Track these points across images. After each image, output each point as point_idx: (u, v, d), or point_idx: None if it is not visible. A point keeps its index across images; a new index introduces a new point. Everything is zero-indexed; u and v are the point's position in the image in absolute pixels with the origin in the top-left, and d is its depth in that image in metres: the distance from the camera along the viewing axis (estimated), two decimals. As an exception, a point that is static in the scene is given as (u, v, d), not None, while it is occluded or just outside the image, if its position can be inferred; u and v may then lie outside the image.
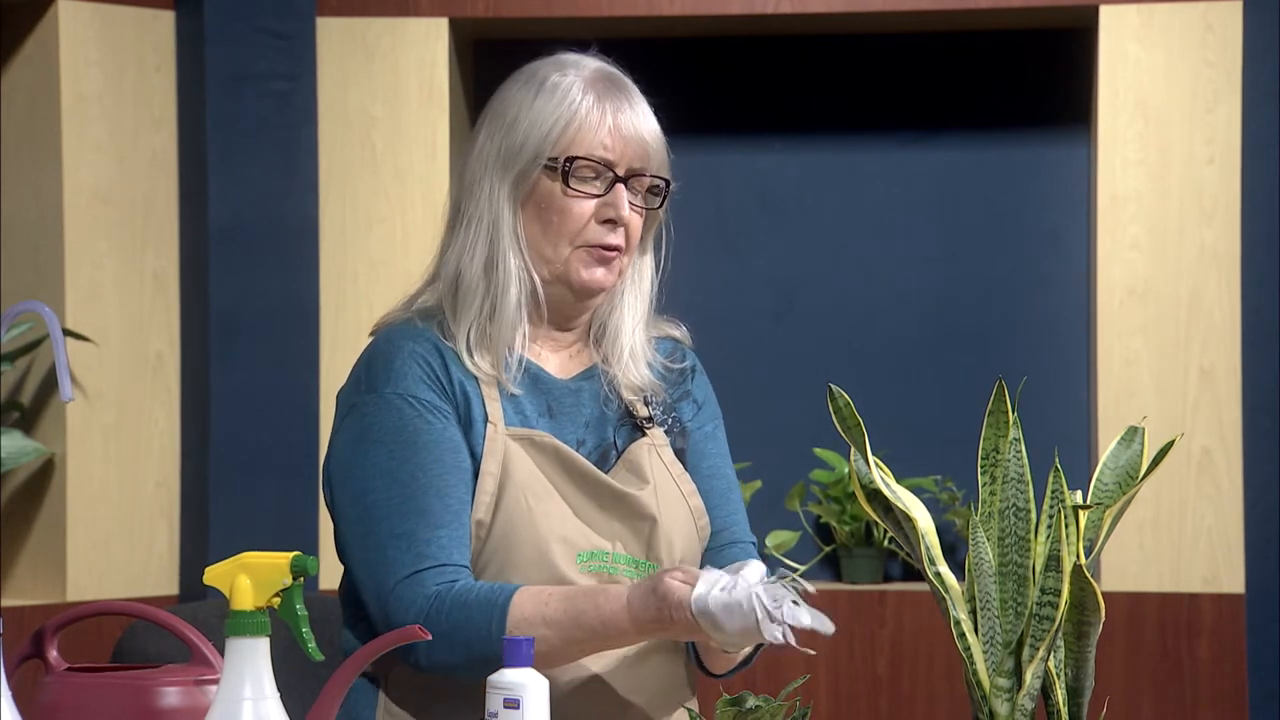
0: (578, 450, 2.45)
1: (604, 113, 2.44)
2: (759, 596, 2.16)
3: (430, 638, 1.98)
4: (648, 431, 2.49)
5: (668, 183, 2.49)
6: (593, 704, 2.40)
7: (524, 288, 2.45)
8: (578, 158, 2.43)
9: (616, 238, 2.45)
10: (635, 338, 2.52)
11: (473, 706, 2.35)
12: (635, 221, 2.47)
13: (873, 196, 4.85)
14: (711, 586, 2.20)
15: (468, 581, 2.34)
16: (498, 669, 2.21)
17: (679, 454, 2.52)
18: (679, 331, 2.60)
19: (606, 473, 2.45)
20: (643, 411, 2.51)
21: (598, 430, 2.48)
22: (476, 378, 2.43)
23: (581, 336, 2.53)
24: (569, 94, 2.44)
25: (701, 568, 2.50)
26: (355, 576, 2.40)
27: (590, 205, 2.44)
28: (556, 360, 2.50)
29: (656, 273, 2.55)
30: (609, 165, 2.44)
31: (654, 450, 2.49)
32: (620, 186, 2.44)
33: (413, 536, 2.35)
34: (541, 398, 2.46)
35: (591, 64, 2.49)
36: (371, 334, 2.52)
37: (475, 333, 2.45)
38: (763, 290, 4.84)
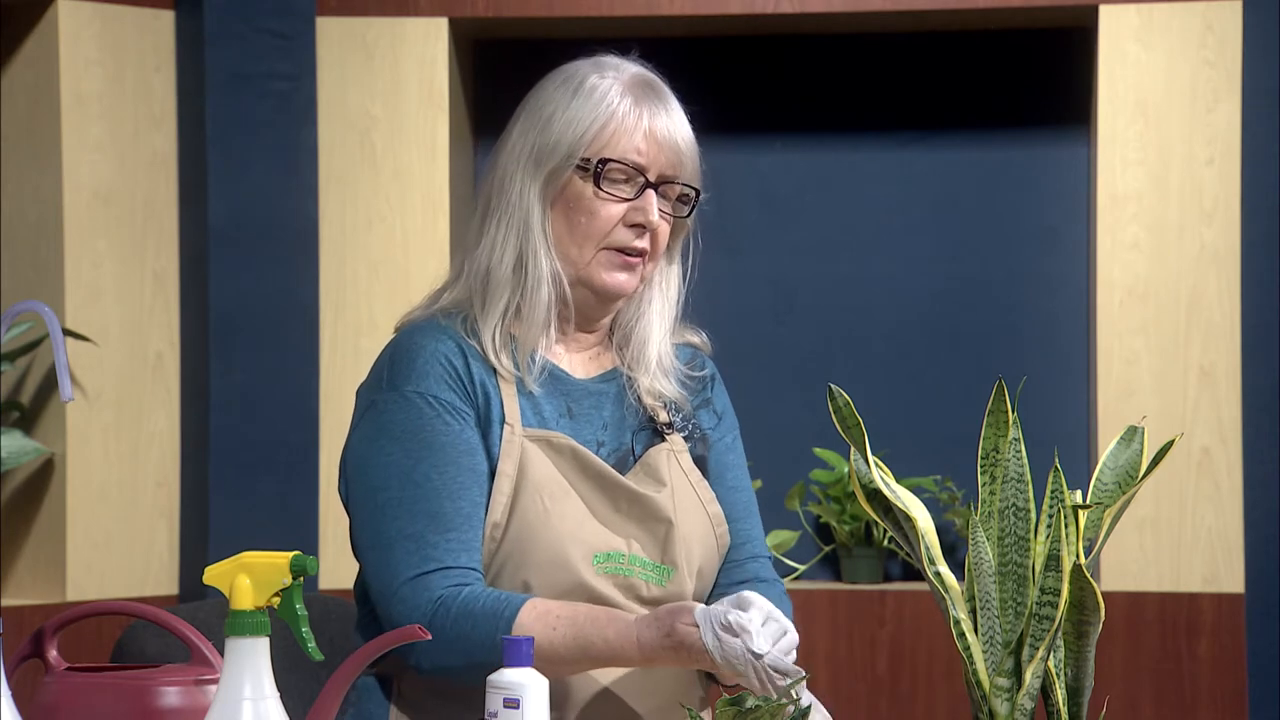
0: (596, 452, 2.45)
1: (640, 117, 2.44)
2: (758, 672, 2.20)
3: (430, 638, 1.98)
4: (667, 437, 2.50)
5: (697, 192, 2.49)
6: (607, 705, 2.40)
7: (555, 287, 2.45)
8: (610, 160, 2.42)
9: (643, 242, 2.45)
10: (663, 347, 2.52)
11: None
12: (663, 228, 2.47)
13: (873, 196, 4.85)
14: (719, 639, 2.23)
15: (476, 588, 2.34)
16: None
17: (698, 461, 2.52)
18: (699, 339, 2.60)
19: (624, 475, 2.45)
20: (663, 417, 2.50)
21: (616, 433, 2.48)
22: (498, 375, 2.43)
23: (602, 339, 2.53)
24: (606, 96, 2.44)
25: (718, 579, 2.51)
26: (365, 574, 2.40)
27: (619, 208, 2.44)
28: (576, 361, 2.50)
29: (684, 282, 2.55)
30: (641, 170, 2.44)
31: (673, 456, 2.49)
32: (650, 192, 2.44)
33: (421, 538, 2.35)
34: (561, 399, 2.46)
35: (631, 68, 2.49)
36: (396, 330, 2.51)
37: (501, 330, 2.44)
38: (763, 290, 4.84)
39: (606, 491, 2.43)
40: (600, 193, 2.43)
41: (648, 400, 2.50)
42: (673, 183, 2.46)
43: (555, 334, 2.48)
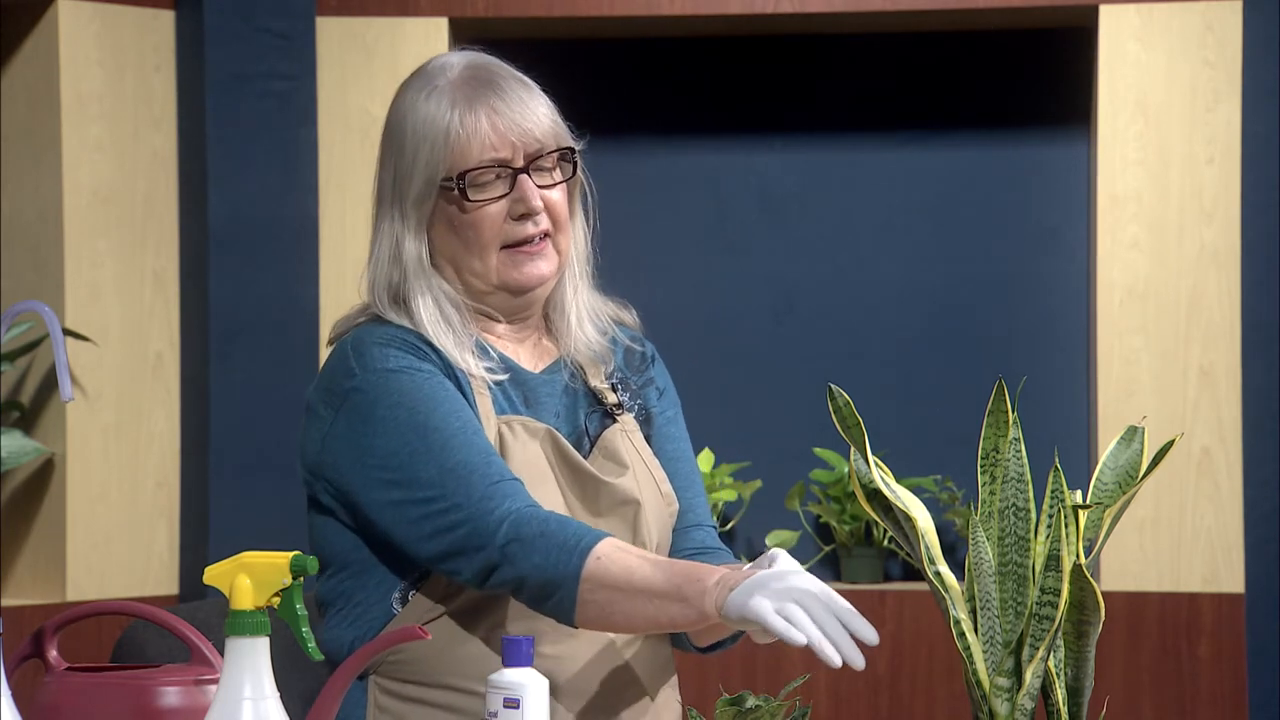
0: None
1: (478, 118, 2.40)
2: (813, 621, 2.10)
3: (429, 637, 1.98)
4: (618, 418, 2.50)
5: (573, 149, 2.46)
6: (583, 691, 2.40)
7: (448, 309, 2.43)
8: (468, 170, 2.40)
9: (536, 227, 2.43)
10: (579, 297, 2.50)
11: (464, 697, 2.35)
12: (552, 199, 2.44)
13: (873, 196, 4.85)
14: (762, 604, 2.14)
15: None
16: (555, 602, 2.22)
17: (646, 440, 2.53)
18: (630, 316, 2.59)
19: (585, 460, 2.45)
20: (612, 399, 2.50)
21: (570, 419, 2.48)
22: (459, 368, 2.42)
23: (539, 325, 2.52)
24: (439, 111, 2.40)
25: (672, 551, 2.51)
26: (395, 533, 2.35)
27: (499, 207, 2.41)
28: (524, 351, 2.50)
29: (589, 230, 2.52)
30: (503, 163, 2.41)
31: (627, 436, 2.49)
32: (524, 178, 2.41)
33: (469, 465, 2.32)
34: (518, 389, 2.46)
35: (457, 66, 2.44)
36: (330, 342, 2.50)
37: (441, 329, 2.44)
38: (763, 290, 4.84)
39: (577, 478, 2.43)
40: (471, 203, 2.40)
41: (593, 382, 2.50)
42: (541, 154, 2.43)
43: (495, 329, 2.47)
